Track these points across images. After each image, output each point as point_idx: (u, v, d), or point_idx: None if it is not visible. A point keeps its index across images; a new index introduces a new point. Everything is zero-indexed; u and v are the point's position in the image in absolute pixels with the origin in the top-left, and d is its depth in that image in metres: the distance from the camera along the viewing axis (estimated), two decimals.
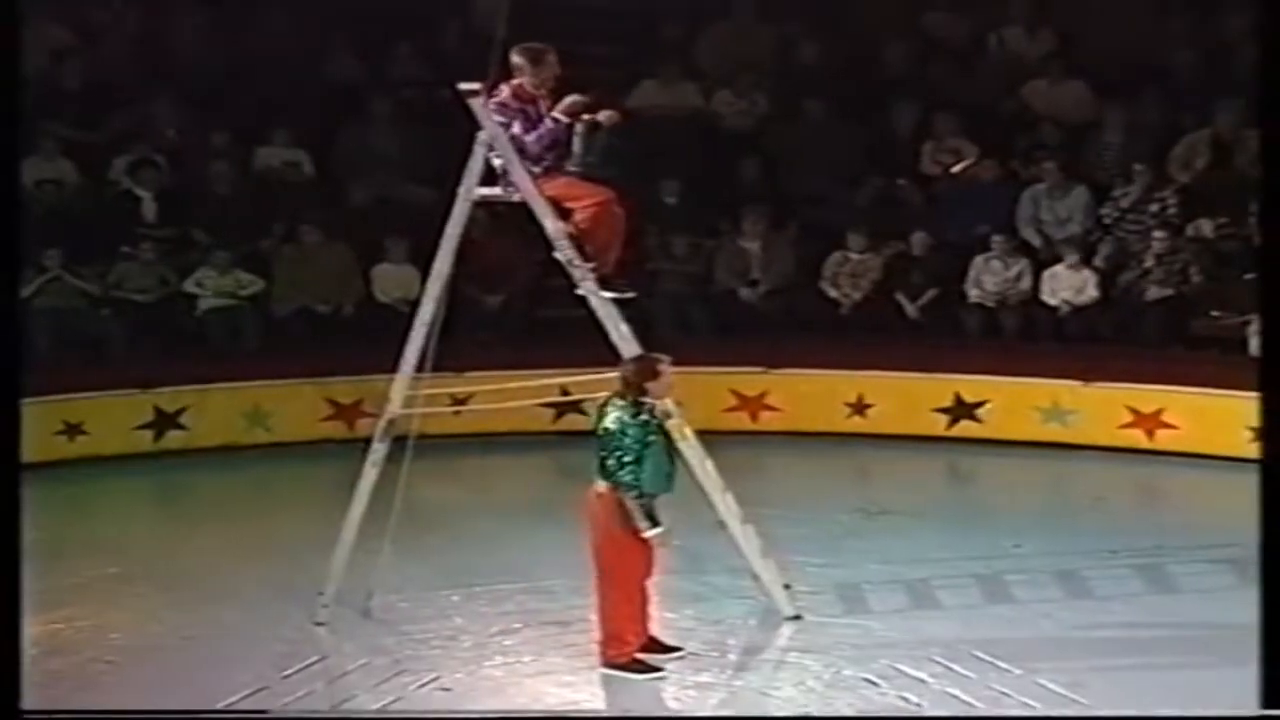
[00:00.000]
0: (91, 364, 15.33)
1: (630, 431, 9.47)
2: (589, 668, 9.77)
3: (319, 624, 10.44)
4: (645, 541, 9.53)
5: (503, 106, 10.30)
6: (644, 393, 9.61)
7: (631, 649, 9.69)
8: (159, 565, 11.87)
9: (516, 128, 10.32)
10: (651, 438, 9.52)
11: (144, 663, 9.99)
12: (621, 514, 9.49)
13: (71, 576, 11.34)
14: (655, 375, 9.66)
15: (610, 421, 9.55)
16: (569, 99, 10.38)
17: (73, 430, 14.78)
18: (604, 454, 9.54)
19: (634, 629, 9.71)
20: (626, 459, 9.44)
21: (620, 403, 9.59)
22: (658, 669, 9.70)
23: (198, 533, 12.90)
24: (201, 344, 15.78)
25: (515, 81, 10.39)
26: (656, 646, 9.87)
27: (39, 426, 13.39)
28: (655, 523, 9.48)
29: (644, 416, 9.55)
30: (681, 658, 9.88)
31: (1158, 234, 15.64)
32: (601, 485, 9.58)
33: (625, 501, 9.45)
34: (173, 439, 15.16)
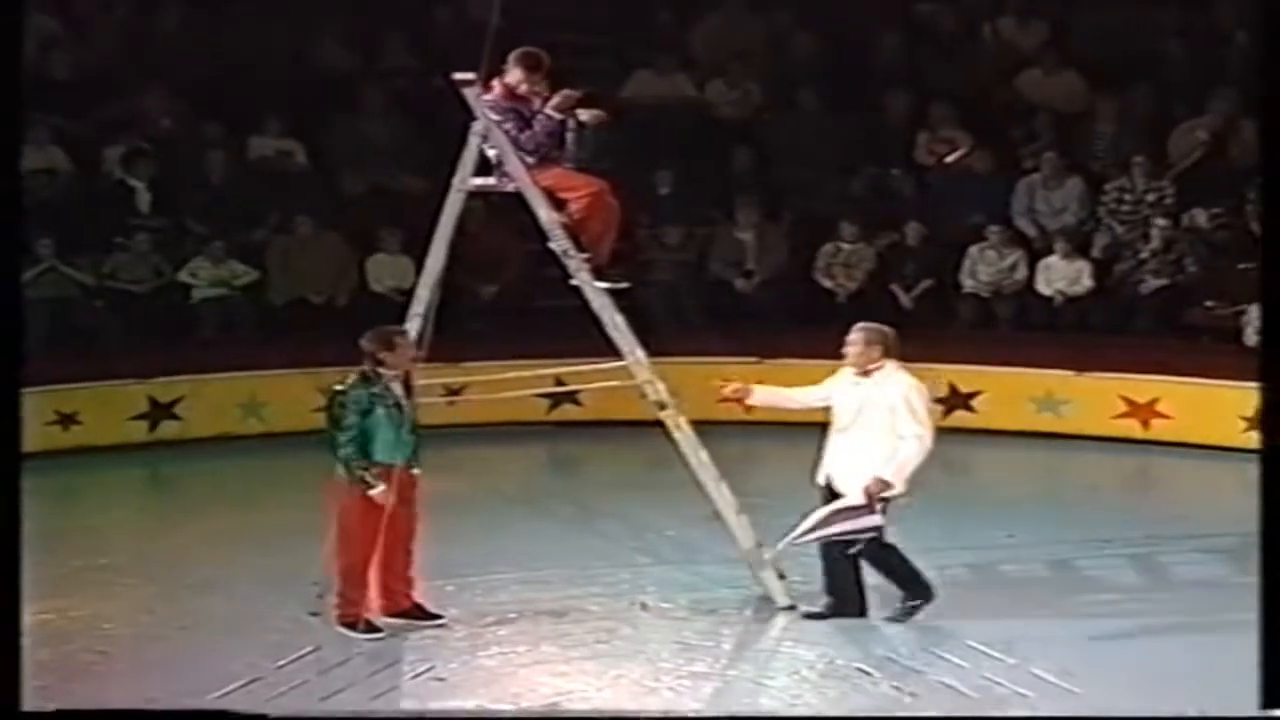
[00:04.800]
0: (85, 354, 15.31)
1: (349, 400, 9.77)
2: (584, 658, 9.76)
3: (313, 614, 10.41)
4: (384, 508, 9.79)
5: (494, 105, 10.30)
6: (380, 363, 9.86)
7: (359, 609, 9.93)
8: (152, 555, 11.85)
9: (509, 126, 10.31)
10: (376, 406, 9.77)
11: (136, 653, 9.96)
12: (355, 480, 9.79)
13: (64, 567, 11.30)
14: (391, 347, 9.91)
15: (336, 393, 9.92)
16: (561, 94, 10.37)
17: (67, 420, 14.75)
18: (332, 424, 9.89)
19: (363, 591, 9.95)
20: (345, 426, 9.74)
21: (352, 376, 9.90)
22: (378, 630, 9.91)
23: (191, 523, 12.88)
24: (196, 334, 15.78)
25: (506, 80, 10.38)
26: (419, 612, 10.11)
27: (33, 417, 13.17)
28: (370, 485, 9.71)
29: (373, 388, 9.80)
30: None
31: (1153, 223, 15.64)
32: None
33: (349, 466, 9.73)
34: (167, 429, 15.15)
